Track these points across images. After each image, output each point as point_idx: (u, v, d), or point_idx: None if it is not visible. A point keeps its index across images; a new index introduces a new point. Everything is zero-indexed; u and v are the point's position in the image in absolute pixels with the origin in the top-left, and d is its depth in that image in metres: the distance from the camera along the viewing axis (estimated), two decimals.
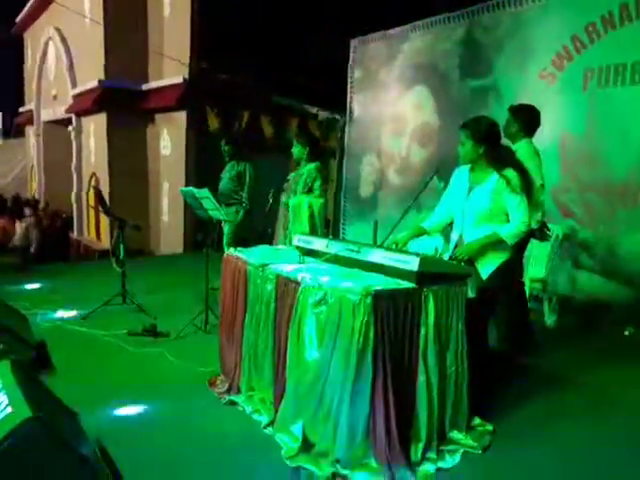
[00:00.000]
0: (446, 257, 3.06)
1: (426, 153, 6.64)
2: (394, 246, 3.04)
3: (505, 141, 3.50)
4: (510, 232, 2.87)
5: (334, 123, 9.44)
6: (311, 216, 4.46)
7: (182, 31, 8.62)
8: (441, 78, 6.43)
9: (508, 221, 2.93)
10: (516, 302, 3.86)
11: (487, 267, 2.94)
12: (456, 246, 3.05)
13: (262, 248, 3.58)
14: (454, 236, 3.10)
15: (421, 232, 3.19)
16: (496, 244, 2.90)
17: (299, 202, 4.51)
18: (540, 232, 3.84)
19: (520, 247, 3.65)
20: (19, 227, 8.74)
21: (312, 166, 4.55)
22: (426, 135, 6.65)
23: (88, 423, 2.44)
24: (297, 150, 4.62)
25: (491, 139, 2.92)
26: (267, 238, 5.40)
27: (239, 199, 5.29)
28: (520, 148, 3.72)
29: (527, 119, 3.76)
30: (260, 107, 9.19)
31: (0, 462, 1.86)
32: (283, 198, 4.70)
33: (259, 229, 6.28)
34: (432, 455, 2.45)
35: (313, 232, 4.37)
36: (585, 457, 2.59)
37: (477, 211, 2.93)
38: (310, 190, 4.51)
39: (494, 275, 2.95)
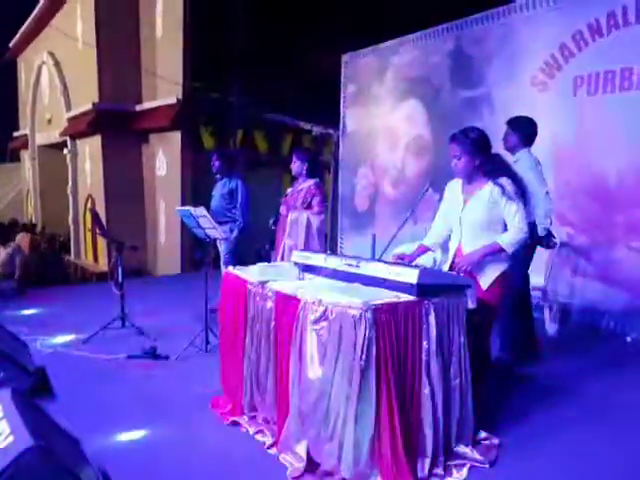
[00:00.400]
0: (445, 268, 3.06)
1: (420, 165, 6.68)
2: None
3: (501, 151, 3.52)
4: (509, 240, 2.86)
5: (328, 138, 9.51)
6: (308, 232, 4.46)
7: (174, 52, 8.69)
8: (433, 90, 6.50)
9: (505, 229, 2.92)
10: (520, 312, 3.86)
11: (487, 277, 2.93)
12: (455, 257, 3.05)
13: (261, 265, 3.56)
14: (452, 247, 3.09)
15: (424, 250, 3.20)
16: (495, 254, 2.90)
17: (297, 216, 4.52)
18: (547, 240, 3.88)
19: (527, 256, 3.67)
20: (3, 253, 8.62)
21: (311, 182, 4.56)
22: (420, 147, 6.70)
23: (90, 449, 2.41)
24: (297, 165, 4.64)
25: (485, 149, 2.92)
26: (265, 255, 5.41)
27: (232, 217, 5.23)
28: (521, 159, 3.77)
29: (526, 130, 3.83)
30: (254, 124, 9.25)
31: None
32: (282, 211, 4.71)
33: (256, 247, 6.28)
34: (439, 471, 2.43)
35: (307, 247, 4.37)
36: (591, 467, 2.57)
37: (474, 221, 2.93)
38: (309, 206, 4.52)
39: (494, 285, 2.94)
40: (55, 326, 5.01)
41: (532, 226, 3.71)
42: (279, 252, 4.68)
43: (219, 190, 5.36)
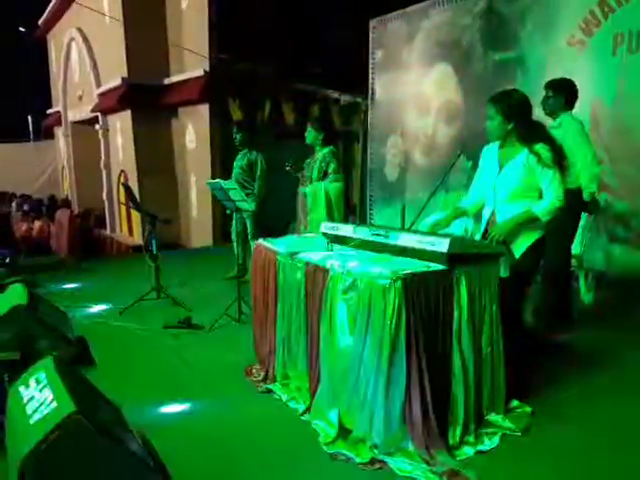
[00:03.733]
0: (478, 237, 3.00)
1: (452, 132, 6.52)
2: (434, 229, 3.00)
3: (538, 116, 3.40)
4: (544, 209, 2.77)
5: (356, 106, 9.36)
6: (328, 203, 4.45)
7: (200, 23, 8.63)
8: (464, 54, 6.29)
9: (541, 197, 2.83)
10: (557, 279, 3.79)
11: (521, 246, 2.87)
12: (488, 224, 2.99)
13: (291, 237, 3.59)
14: (486, 214, 3.03)
15: (461, 213, 3.14)
16: (530, 222, 2.83)
17: (315, 189, 4.51)
18: (593, 205, 3.78)
19: (570, 222, 3.59)
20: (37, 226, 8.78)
21: (326, 150, 4.54)
22: (451, 113, 6.53)
23: (130, 415, 2.50)
24: (311, 135, 4.61)
25: (521, 114, 2.80)
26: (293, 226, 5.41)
27: (251, 190, 5.24)
28: (565, 122, 3.65)
29: (567, 93, 3.69)
30: (281, 94, 9.16)
31: (47, 455, 1.92)
32: (300, 186, 4.70)
33: (286, 218, 6.28)
34: (470, 438, 2.45)
35: (330, 218, 4.36)
36: (626, 436, 2.54)
37: (509, 188, 2.85)
38: (325, 175, 4.51)
39: (527, 253, 2.88)
40: (93, 298, 5.18)
41: (577, 192, 3.61)
42: (298, 227, 4.69)
43: (238, 161, 5.39)
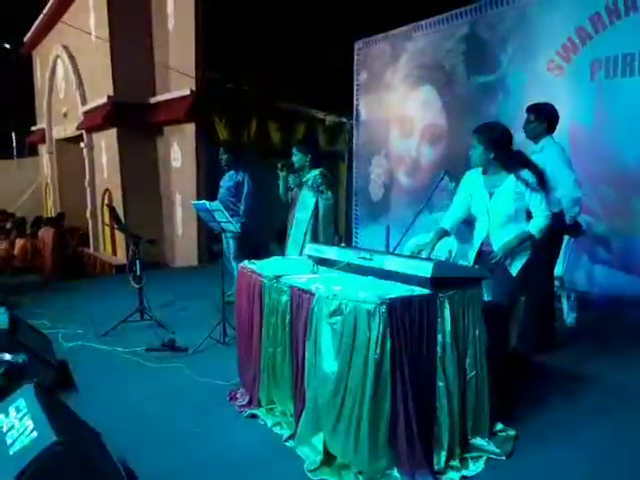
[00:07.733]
0: (471, 259, 3.12)
1: (435, 153, 6.62)
2: (422, 253, 3.06)
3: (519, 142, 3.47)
4: (537, 227, 2.98)
5: (341, 126, 9.46)
6: (315, 211, 4.47)
7: (187, 43, 8.68)
8: (447, 77, 6.41)
9: (528, 218, 3.03)
10: (540, 301, 3.84)
11: (516, 263, 3.03)
12: (482, 246, 3.10)
13: (275, 259, 3.59)
14: (479, 237, 3.13)
15: (443, 234, 3.22)
16: (526, 241, 3.00)
17: (305, 196, 4.53)
18: (575, 228, 3.85)
19: (552, 244, 3.66)
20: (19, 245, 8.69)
21: (316, 172, 4.55)
22: (434, 135, 6.63)
23: (112, 441, 2.46)
24: (298, 158, 4.62)
25: (502, 146, 3.01)
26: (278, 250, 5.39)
27: (236, 211, 5.24)
28: (546, 146, 3.72)
29: (549, 117, 3.76)
30: (267, 114, 9.23)
31: None
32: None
33: (270, 240, 6.28)
34: (455, 463, 2.44)
35: (314, 228, 4.40)
36: (610, 458, 2.56)
37: (503, 213, 3.02)
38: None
39: (520, 273, 3.02)
40: (76, 319, 5.10)
41: (559, 215, 3.67)
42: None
43: (225, 182, 5.40)
